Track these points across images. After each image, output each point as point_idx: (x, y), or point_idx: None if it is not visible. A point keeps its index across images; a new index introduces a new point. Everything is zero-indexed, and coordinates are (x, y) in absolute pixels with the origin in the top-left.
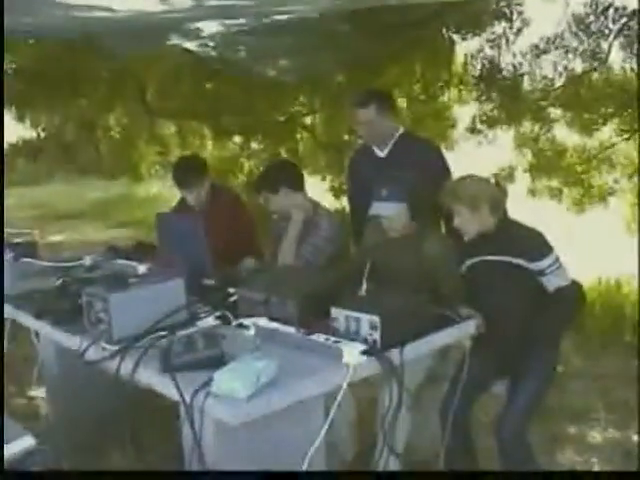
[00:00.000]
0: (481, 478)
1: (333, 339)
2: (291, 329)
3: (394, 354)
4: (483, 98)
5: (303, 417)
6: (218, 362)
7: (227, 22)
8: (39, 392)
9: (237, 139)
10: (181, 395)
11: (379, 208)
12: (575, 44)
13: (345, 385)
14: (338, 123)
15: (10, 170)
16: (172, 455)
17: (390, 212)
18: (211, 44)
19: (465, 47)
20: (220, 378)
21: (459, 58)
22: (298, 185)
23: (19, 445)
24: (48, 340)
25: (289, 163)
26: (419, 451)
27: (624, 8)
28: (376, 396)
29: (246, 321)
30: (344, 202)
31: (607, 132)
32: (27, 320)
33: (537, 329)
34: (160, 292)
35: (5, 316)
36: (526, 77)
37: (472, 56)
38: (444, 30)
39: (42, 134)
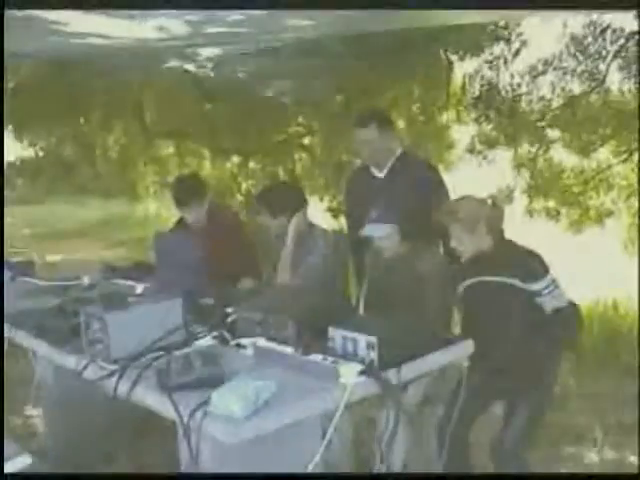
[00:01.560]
0: None
1: (330, 359)
2: (288, 349)
3: (391, 374)
4: (481, 119)
5: (300, 437)
6: (216, 382)
7: (226, 47)
8: (36, 411)
9: (235, 159)
10: (179, 414)
11: (370, 229)
12: (573, 65)
13: (342, 405)
14: (336, 143)
15: (9, 189)
16: (169, 474)
17: (380, 233)
18: (209, 65)
19: (463, 68)
20: (218, 398)
21: (457, 79)
22: (297, 209)
23: (17, 464)
24: (46, 359)
25: (289, 187)
26: (416, 471)
27: (622, 30)
28: (373, 416)
29: (244, 341)
30: (342, 222)
31: (604, 153)
32: (25, 339)
33: (535, 350)
34: (158, 312)
35: (4, 336)
36: (524, 98)
37: (470, 77)
38: (442, 52)
39: (40, 153)
